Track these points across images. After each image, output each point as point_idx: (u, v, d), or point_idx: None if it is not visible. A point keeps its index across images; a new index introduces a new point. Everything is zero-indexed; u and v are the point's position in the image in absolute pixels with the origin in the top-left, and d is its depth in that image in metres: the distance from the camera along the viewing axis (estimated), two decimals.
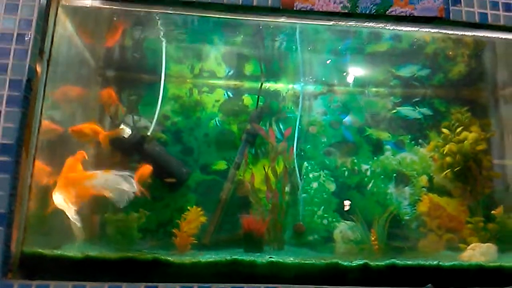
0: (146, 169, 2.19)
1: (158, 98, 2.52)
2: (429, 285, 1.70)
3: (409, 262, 1.80)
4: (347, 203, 2.56)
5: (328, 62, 2.75)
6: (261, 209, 2.37)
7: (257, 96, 2.68)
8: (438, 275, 1.78)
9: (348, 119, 2.75)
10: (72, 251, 1.70)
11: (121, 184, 1.84)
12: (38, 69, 1.70)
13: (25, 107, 1.62)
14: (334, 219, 2.54)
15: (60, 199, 1.76)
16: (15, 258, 1.58)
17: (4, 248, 1.51)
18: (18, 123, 1.58)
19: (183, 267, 1.70)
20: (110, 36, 2.50)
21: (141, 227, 2.18)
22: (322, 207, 2.59)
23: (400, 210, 2.60)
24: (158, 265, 1.69)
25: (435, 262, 1.81)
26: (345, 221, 2.45)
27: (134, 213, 2.15)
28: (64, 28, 1.96)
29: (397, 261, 1.80)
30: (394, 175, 2.68)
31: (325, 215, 2.57)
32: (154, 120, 2.48)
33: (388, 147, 2.73)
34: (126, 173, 1.89)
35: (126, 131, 2.37)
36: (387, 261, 1.80)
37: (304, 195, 2.59)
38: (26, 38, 1.63)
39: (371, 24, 1.95)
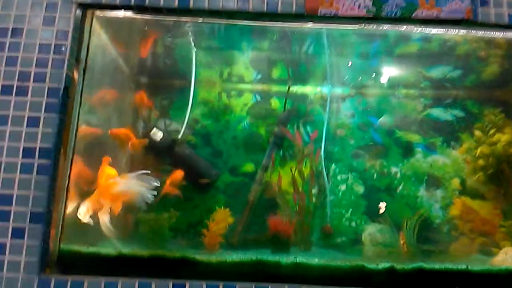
0: (179, 173, 2.29)
1: (188, 103, 2.60)
2: None
3: (436, 266, 1.78)
4: (382, 205, 2.54)
5: (349, 64, 2.74)
6: (288, 211, 2.40)
7: (284, 99, 2.72)
8: (467, 279, 1.75)
9: (378, 121, 2.73)
10: (106, 249, 1.79)
11: (140, 184, 1.92)
12: (75, 77, 1.81)
13: (63, 113, 1.72)
14: (362, 221, 2.54)
15: (84, 211, 1.86)
16: (52, 255, 1.69)
17: (42, 245, 1.62)
18: (56, 128, 1.69)
19: (210, 265, 1.75)
20: (142, 45, 2.60)
21: (171, 227, 2.25)
22: (351, 209, 2.59)
23: (431, 213, 2.56)
24: (186, 263, 1.76)
25: (463, 266, 1.78)
26: (374, 224, 2.44)
27: (165, 213, 2.24)
28: (99, 38, 2.07)
29: (425, 265, 1.78)
30: (425, 177, 2.64)
31: (353, 217, 2.57)
32: (184, 123, 2.56)
33: (419, 149, 2.69)
34: (140, 172, 1.95)
35: (158, 135, 2.46)
36: (414, 265, 1.78)
37: (332, 197, 2.60)
38: (62, 48, 1.74)
39: (397, 27, 1.94)
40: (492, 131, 2.47)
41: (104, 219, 1.88)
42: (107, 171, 2.00)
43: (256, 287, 1.62)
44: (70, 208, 1.79)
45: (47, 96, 1.70)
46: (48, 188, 1.65)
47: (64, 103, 1.72)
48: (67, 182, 1.78)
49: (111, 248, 1.81)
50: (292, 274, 1.75)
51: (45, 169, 1.66)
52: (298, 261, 1.79)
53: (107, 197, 1.88)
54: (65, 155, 1.76)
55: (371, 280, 1.75)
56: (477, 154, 2.47)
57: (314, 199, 2.52)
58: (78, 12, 1.83)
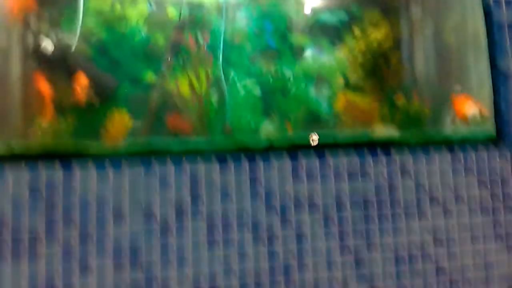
0: (83, 78, 2.30)
1: (80, 14, 2.54)
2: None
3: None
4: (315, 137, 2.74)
5: None
6: (188, 113, 2.53)
7: (180, 8, 2.75)
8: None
9: (270, 27, 2.87)
10: None
11: None
12: None
13: None
14: (259, 121, 2.75)
15: None
16: None
17: None
18: None
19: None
20: None
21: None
22: (249, 111, 2.77)
23: (320, 108, 2.82)
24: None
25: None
26: (268, 120, 2.67)
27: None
28: None
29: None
30: (315, 77, 2.87)
31: (252, 118, 2.76)
32: (77, 35, 2.52)
33: (308, 51, 2.90)
34: None
35: (49, 48, 2.41)
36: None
37: (231, 101, 2.76)
38: None
39: None
40: (369, 30, 2.71)
41: None
42: None
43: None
44: None
45: None
46: None
47: None
48: None
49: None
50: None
51: None
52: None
53: None
54: None
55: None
56: (355, 52, 2.72)
57: (213, 102, 2.67)
58: None
